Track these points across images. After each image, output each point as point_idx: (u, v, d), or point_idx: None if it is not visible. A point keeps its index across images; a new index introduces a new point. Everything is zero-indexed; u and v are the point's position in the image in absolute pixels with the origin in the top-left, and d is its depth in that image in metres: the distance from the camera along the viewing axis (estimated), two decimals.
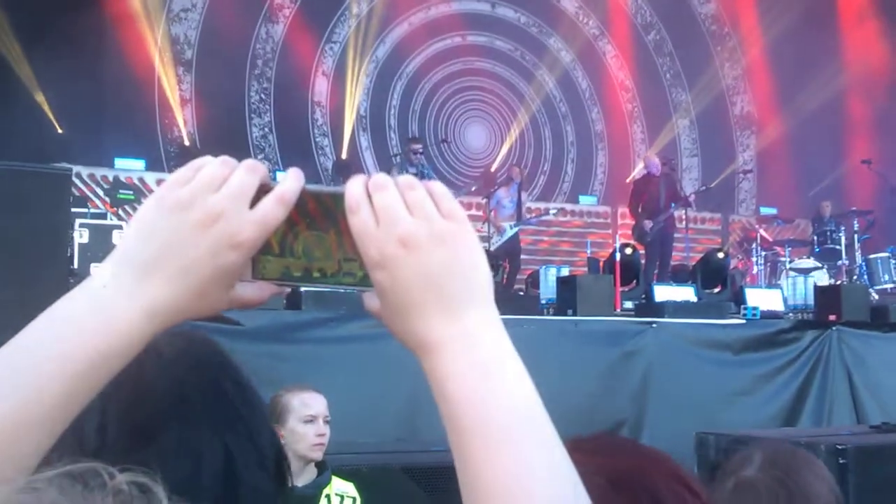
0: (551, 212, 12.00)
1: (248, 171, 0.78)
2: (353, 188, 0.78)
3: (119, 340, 0.75)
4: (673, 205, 10.90)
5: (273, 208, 0.77)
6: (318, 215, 0.80)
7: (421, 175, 9.77)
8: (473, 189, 11.01)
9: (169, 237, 0.76)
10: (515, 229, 10.89)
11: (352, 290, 0.81)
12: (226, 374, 1.00)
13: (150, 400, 0.92)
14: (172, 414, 0.93)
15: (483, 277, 0.79)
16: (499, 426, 0.74)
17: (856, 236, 11.19)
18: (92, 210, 8.75)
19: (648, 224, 10.76)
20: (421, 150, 10.11)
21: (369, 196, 0.77)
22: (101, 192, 10.27)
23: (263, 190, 0.78)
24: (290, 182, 0.78)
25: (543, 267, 9.63)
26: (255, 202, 0.77)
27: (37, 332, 0.75)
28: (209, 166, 0.78)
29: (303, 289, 5.44)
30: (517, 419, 0.74)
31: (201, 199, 0.76)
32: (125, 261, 0.77)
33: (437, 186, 0.80)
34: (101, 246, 7.42)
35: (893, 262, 10.87)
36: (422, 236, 0.76)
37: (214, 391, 0.97)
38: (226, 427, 0.95)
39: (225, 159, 0.79)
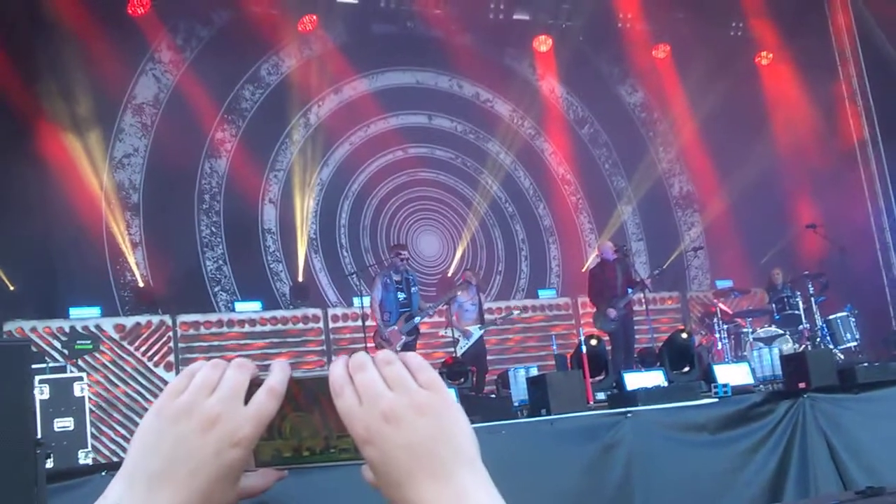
0: (514, 312, 12.04)
1: (238, 370, 0.83)
2: (336, 372, 0.82)
3: None
4: (630, 290, 11.02)
5: (266, 402, 0.81)
6: (303, 398, 0.84)
7: (406, 281, 9.93)
8: (443, 306, 10.91)
9: (173, 446, 0.79)
10: (481, 332, 10.91)
11: (350, 464, 0.84)
12: None
13: None
14: None
15: (467, 439, 0.82)
16: None
17: (812, 299, 11.34)
18: (51, 364, 8.59)
19: (613, 312, 10.84)
20: (406, 257, 10.32)
21: (350, 376, 0.81)
22: (58, 345, 10.11)
23: (254, 384, 0.82)
24: (278, 374, 0.83)
25: (513, 369, 9.62)
26: (247, 397, 0.81)
27: None
28: (201, 371, 0.83)
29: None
30: None
31: (199, 404, 0.80)
32: (135, 475, 0.80)
33: (414, 358, 0.84)
34: (63, 400, 7.25)
35: (853, 319, 11.05)
36: (403, 409, 0.80)
37: None
38: None
39: (215, 362, 0.83)
